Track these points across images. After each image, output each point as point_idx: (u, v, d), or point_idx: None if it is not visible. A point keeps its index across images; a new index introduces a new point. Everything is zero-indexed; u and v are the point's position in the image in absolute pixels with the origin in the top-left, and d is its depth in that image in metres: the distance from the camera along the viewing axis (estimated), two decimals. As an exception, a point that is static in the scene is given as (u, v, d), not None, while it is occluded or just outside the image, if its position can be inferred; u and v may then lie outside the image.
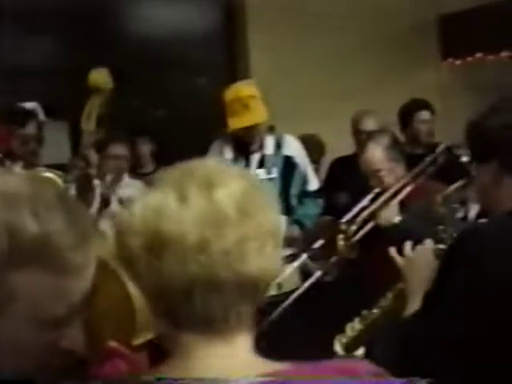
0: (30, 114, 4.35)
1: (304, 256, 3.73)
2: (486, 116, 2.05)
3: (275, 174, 4.43)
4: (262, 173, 4.37)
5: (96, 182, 3.79)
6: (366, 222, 3.70)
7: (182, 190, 1.19)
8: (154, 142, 5.84)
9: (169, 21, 6.64)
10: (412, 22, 6.92)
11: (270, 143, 4.47)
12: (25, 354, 1.22)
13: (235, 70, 6.75)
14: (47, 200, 1.19)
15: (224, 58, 6.87)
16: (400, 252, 2.41)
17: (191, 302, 1.18)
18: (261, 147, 4.45)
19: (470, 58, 6.98)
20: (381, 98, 6.08)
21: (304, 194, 4.56)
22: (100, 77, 3.43)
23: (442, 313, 1.95)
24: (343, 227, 3.69)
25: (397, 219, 3.60)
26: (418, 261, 2.31)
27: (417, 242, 2.39)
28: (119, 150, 4.75)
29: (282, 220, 1.27)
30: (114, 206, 4.16)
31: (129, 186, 4.63)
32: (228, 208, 1.17)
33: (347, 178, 4.59)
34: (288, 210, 4.37)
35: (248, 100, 4.30)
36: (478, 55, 6.88)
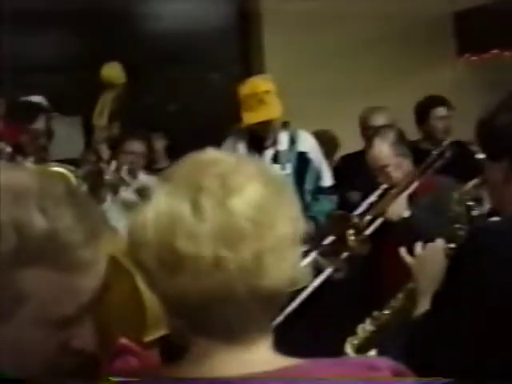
0: (39, 109, 4.34)
1: (314, 253, 3.70)
2: (496, 113, 2.02)
3: (289, 170, 4.41)
4: (275, 168, 4.33)
5: (108, 177, 3.78)
6: (375, 217, 3.68)
7: (196, 196, 1.14)
8: (167, 137, 5.82)
9: (183, 16, 6.63)
10: (427, 17, 6.87)
11: (284, 139, 4.45)
12: (34, 355, 1.19)
13: (249, 66, 6.73)
14: (56, 196, 1.16)
15: (238, 54, 6.86)
16: (410, 248, 2.39)
17: (208, 312, 1.15)
18: (275, 143, 4.42)
19: (486, 55, 6.92)
20: (395, 95, 6.05)
21: (318, 191, 4.54)
22: (112, 71, 3.41)
23: (452, 312, 1.93)
24: (355, 220, 3.66)
25: (406, 213, 3.58)
26: (429, 260, 2.29)
27: (427, 236, 2.37)
28: (136, 146, 4.72)
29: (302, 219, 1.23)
30: (129, 195, 4.14)
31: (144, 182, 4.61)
32: (244, 220, 1.12)
33: (355, 175, 4.57)
34: (302, 206, 4.32)
35: (263, 95, 4.28)
36: (494, 51, 6.82)
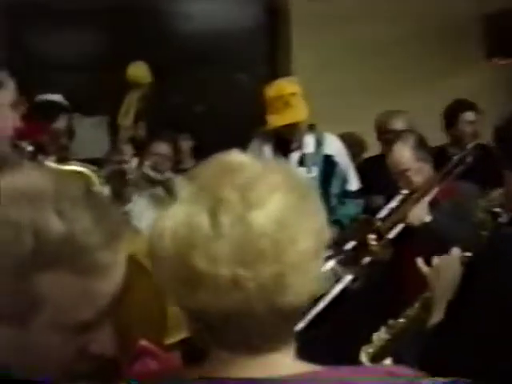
0: (60, 109, 4.35)
1: (333, 261, 3.66)
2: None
3: (315, 173, 4.38)
4: (301, 171, 4.30)
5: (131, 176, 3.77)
6: (396, 222, 3.65)
7: (215, 207, 1.11)
8: (194, 138, 5.82)
9: (210, 16, 6.61)
10: (456, 20, 6.80)
11: (310, 142, 4.43)
12: (52, 359, 1.18)
13: (276, 66, 6.70)
14: (73, 197, 1.15)
15: (266, 55, 6.83)
16: (430, 254, 2.37)
17: (227, 326, 1.13)
18: (301, 146, 4.40)
19: (515, 59, 6.85)
20: (422, 97, 6.01)
21: (344, 194, 4.51)
22: (138, 71, 3.41)
23: (467, 320, 1.91)
24: (378, 224, 3.64)
25: (427, 218, 3.55)
26: (444, 270, 2.28)
27: (448, 241, 2.35)
28: (162, 148, 4.70)
29: (327, 228, 1.19)
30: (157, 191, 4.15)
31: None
32: (264, 238, 1.09)
33: (377, 178, 4.53)
34: (328, 210, 4.30)
35: (289, 97, 4.26)
36: (524, 56, 6.75)
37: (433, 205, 3.62)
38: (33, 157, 2.43)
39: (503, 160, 2.05)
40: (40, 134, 3.70)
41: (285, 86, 4.38)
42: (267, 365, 1.16)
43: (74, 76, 6.05)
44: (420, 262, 2.39)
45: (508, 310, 1.85)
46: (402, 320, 2.48)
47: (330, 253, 3.58)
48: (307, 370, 1.18)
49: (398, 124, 5.02)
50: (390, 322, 2.51)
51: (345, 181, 4.51)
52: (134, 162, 3.96)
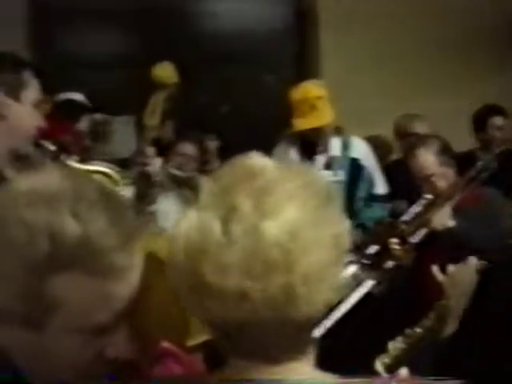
0: (82, 108, 4.36)
1: (354, 266, 3.63)
2: None
3: (341, 176, 4.37)
4: (327, 175, 4.29)
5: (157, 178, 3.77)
6: (419, 227, 3.62)
7: (228, 215, 1.09)
8: (220, 138, 5.82)
9: (238, 16, 6.61)
10: (484, 23, 6.73)
11: (336, 145, 4.42)
12: (66, 364, 1.18)
13: (304, 68, 6.68)
14: (89, 199, 1.14)
15: (293, 56, 6.81)
16: (453, 260, 2.35)
17: (242, 336, 1.11)
18: (327, 149, 4.38)
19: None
20: (453, 100, 5.96)
21: (371, 198, 4.49)
22: (164, 71, 3.41)
23: (481, 329, 1.89)
24: (402, 228, 3.61)
25: (451, 223, 3.52)
26: (460, 278, 2.25)
27: (472, 247, 2.32)
28: (188, 148, 4.70)
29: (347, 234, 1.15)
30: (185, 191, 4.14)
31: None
32: (274, 249, 1.06)
33: (397, 183, 4.50)
34: (353, 213, 4.30)
35: (315, 101, 4.25)
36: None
37: (457, 210, 3.59)
38: (56, 157, 2.43)
39: None
40: (63, 133, 3.71)
41: (311, 89, 4.36)
42: (285, 373, 1.14)
43: (101, 75, 6.08)
44: (435, 269, 2.37)
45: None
46: (418, 329, 2.45)
47: (352, 257, 3.55)
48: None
49: (419, 128, 5.01)
50: (407, 331, 2.48)
51: (371, 184, 4.49)
52: (158, 162, 3.95)
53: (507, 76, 6.77)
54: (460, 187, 3.65)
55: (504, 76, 6.73)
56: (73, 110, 4.27)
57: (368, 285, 3.58)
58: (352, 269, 3.60)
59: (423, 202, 3.71)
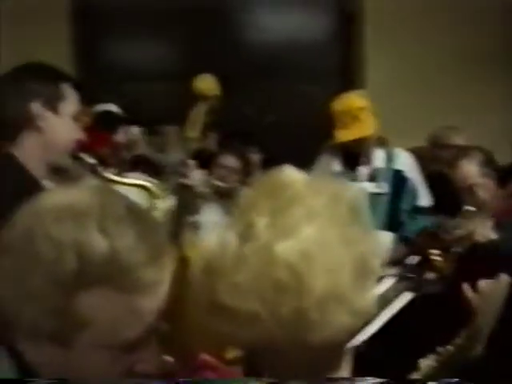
0: (119, 119, 4.37)
1: (392, 278, 3.58)
2: None
3: (385, 188, 4.32)
4: (371, 187, 4.26)
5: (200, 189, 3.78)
6: (460, 238, 3.57)
7: (245, 232, 1.06)
8: (263, 150, 5.80)
9: (282, 27, 6.62)
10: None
11: (380, 156, 4.37)
12: (96, 380, 1.17)
13: (349, 79, 6.65)
14: (116, 214, 1.14)
15: (338, 67, 6.79)
16: (493, 272, 2.29)
17: (264, 358, 1.09)
18: (370, 160, 4.34)
19: None
20: (496, 114, 5.87)
21: (415, 210, 4.42)
22: (205, 83, 3.39)
23: (504, 353, 1.84)
24: (445, 238, 3.56)
25: (493, 235, 3.47)
26: (490, 297, 2.19)
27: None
28: (229, 161, 4.68)
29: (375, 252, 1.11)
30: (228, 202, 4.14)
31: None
32: (286, 272, 1.02)
33: (437, 195, 4.45)
34: (397, 226, 4.26)
35: (358, 111, 4.22)
36: None
37: (499, 222, 3.54)
38: (94, 169, 2.43)
39: None
40: (101, 145, 3.72)
41: (353, 100, 4.33)
42: None
43: (145, 86, 6.12)
44: (466, 287, 2.32)
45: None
46: (450, 347, 2.39)
47: (391, 271, 3.51)
48: None
49: (457, 139, 4.96)
50: (439, 349, 2.43)
51: (415, 196, 4.43)
52: (199, 174, 3.95)
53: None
54: (502, 199, 3.62)
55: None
56: (110, 122, 4.29)
57: (405, 298, 3.53)
58: (389, 283, 3.56)
59: (465, 213, 3.66)
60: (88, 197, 1.16)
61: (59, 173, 2.52)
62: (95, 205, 1.14)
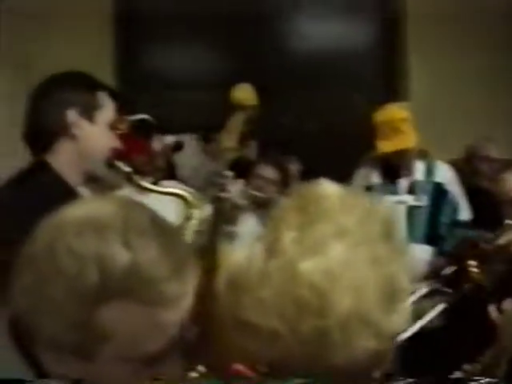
0: (156, 129, 4.38)
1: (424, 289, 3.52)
2: None
3: (425, 201, 4.28)
4: (410, 199, 4.24)
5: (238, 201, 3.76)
6: (499, 250, 3.51)
7: (272, 246, 1.04)
8: (302, 160, 5.78)
9: (325, 35, 6.59)
10: None
11: (420, 169, 4.33)
12: None
13: (393, 87, 6.60)
14: (139, 227, 1.12)
15: (381, 77, 6.74)
16: None
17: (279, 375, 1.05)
18: (411, 172, 4.30)
19: None
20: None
21: (455, 224, 4.37)
22: (242, 93, 3.38)
23: None
24: (484, 248, 3.51)
25: None
26: None
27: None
28: (267, 172, 4.66)
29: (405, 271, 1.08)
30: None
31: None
32: (308, 290, 1.00)
33: (476, 209, 4.40)
34: (436, 239, 4.21)
35: (399, 123, 4.19)
36: None
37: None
38: (130, 178, 2.43)
39: None
40: (137, 153, 3.73)
41: (395, 112, 4.31)
42: None
43: (186, 94, 6.13)
44: (491, 307, 2.27)
45: None
46: (477, 365, 2.34)
47: (428, 284, 3.46)
48: None
49: (493, 152, 4.95)
50: (465, 366, 2.38)
51: (455, 210, 4.38)
52: (236, 184, 3.94)
53: None
54: None
55: None
56: (146, 130, 4.30)
57: (438, 309, 3.48)
58: (423, 296, 3.51)
59: (507, 227, 3.60)
60: (110, 209, 1.15)
61: (95, 181, 2.52)
62: (118, 217, 1.13)
